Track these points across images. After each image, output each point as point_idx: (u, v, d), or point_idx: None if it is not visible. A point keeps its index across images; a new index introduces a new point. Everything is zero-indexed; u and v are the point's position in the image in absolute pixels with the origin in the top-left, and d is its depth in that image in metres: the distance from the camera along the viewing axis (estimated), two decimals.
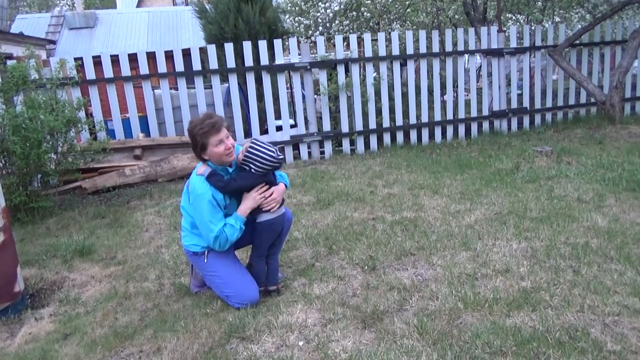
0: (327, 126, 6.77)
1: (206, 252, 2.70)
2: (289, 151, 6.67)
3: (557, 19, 10.80)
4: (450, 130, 7.33)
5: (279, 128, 6.69)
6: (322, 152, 6.87)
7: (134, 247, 3.79)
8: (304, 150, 6.75)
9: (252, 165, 2.61)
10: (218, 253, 2.71)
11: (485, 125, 7.50)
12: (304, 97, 6.83)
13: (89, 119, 5.83)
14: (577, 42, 7.75)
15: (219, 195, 2.58)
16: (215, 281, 2.70)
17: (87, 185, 5.52)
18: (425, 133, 7.18)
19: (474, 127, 7.42)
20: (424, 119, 7.15)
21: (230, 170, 2.71)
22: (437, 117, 7.21)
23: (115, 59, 6.04)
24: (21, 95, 5.11)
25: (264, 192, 2.65)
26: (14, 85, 5.00)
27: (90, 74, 5.99)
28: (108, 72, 6.04)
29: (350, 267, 3.08)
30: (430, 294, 2.65)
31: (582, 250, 3.05)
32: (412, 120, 7.10)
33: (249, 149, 2.61)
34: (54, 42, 13.82)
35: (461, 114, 7.34)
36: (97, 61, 6.02)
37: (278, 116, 6.78)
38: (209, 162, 2.61)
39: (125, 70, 6.05)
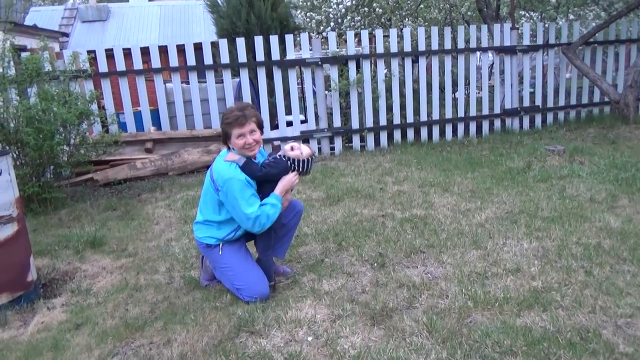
0: (337, 122, 6.76)
1: (221, 245, 2.71)
2: None
3: (571, 16, 10.66)
4: (461, 127, 7.28)
5: (289, 123, 6.69)
6: (332, 148, 6.86)
7: (145, 240, 3.82)
8: (314, 146, 6.75)
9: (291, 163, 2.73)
10: (232, 246, 2.72)
11: (497, 123, 7.44)
12: (314, 92, 6.82)
13: (101, 112, 5.85)
14: (592, 40, 7.64)
15: (250, 181, 2.63)
16: (227, 274, 2.72)
17: (99, 177, 5.56)
18: (436, 130, 7.14)
19: (486, 125, 7.36)
20: (435, 116, 7.11)
21: (255, 160, 2.75)
22: (449, 114, 7.16)
23: (127, 52, 6.07)
24: (35, 87, 5.16)
25: (295, 176, 2.75)
26: (28, 77, 5.04)
27: (103, 67, 6.03)
28: (120, 66, 6.06)
29: (359, 264, 3.07)
30: (440, 292, 2.64)
31: (594, 251, 3.01)
32: (423, 117, 7.06)
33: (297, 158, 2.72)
34: (67, 35, 13.92)
35: (473, 112, 7.28)
36: (109, 54, 6.06)
37: (289, 111, 6.77)
38: (234, 151, 2.66)
39: (138, 64, 6.08)
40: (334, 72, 6.63)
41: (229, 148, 2.69)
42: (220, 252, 2.72)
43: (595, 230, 3.34)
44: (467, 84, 7.47)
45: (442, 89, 7.21)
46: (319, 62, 6.55)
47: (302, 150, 2.74)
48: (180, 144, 6.16)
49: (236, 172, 2.57)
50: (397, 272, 2.91)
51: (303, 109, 7.43)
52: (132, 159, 5.88)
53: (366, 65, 6.72)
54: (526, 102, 7.55)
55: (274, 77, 6.46)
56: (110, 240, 3.82)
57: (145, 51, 6.18)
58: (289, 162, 2.71)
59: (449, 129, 7.19)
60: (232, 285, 2.72)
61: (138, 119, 6.36)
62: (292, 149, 2.74)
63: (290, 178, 2.71)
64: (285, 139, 6.58)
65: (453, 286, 2.69)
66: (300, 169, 2.73)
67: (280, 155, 2.75)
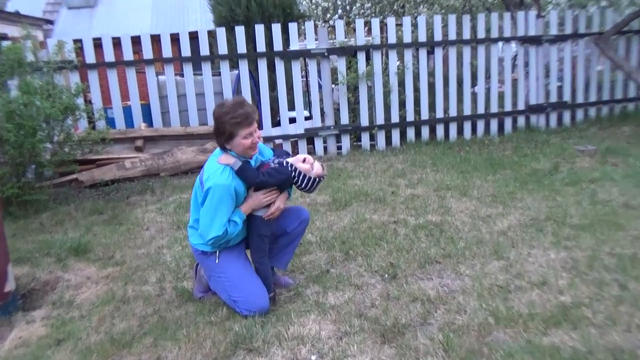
0: (345, 119, 6.75)
1: (217, 252, 2.71)
2: (302, 145, 6.66)
3: (603, 3, 10.58)
4: (481, 125, 7.25)
5: (292, 120, 6.69)
6: (339, 148, 6.85)
7: (134, 247, 3.82)
8: (319, 144, 6.75)
9: (296, 177, 2.70)
10: (230, 254, 2.72)
11: (521, 120, 7.40)
12: (320, 86, 6.81)
13: (87, 106, 5.88)
14: (626, 29, 7.58)
15: (241, 189, 2.62)
16: (224, 284, 2.71)
17: (84, 178, 5.58)
18: (453, 128, 7.11)
19: (508, 122, 7.33)
20: (452, 112, 7.09)
21: (252, 161, 2.73)
22: (467, 110, 7.14)
23: (116, 42, 6.08)
24: (16, 79, 5.17)
25: (270, 195, 2.68)
26: (9, 68, 5.06)
27: (90, 57, 6.05)
28: (109, 56, 6.09)
29: (368, 275, 3.06)
30: (458, 307, 2.62)
31: (630, 262, 2.98)
32: (439, 113, 7.04)
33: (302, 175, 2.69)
34: (51, 22, 14.01)
35: (494, 108, 7.25)
36: (97, 44, 6.08)
37: (292, 107, 6.77)
38: (231, 152, 2.64)
39: (128, 54, 6.10)
40: (341, 64, 6.62)
41: (224, 149, 2.67)
42: (217, 260, 2.71)
43: (630, 240, 3.30)
44: (487, 77, 7.44)
45: (460, 83, 7.18)
46: (325, 53, 6.54)
47: (313, 167, 2.72)
48: (173, 142, 6.17)
49: (227, 179, 2.56)
50: (410, 284, 2.89)
51: (307, 105, 7.41)
52: (121, 158, 5.90)
53: (377, 57, 6.71)
54: (553, 98, 7.50)
55: (276, 70, 6.46)
56: (95, 247, 3.82)
57: (136, 40, 6.19)
58: (293, 173, 2.69)
59: (467, 126, 7.16)
60: (229, 297, 2.71)
61: (128, 114, 6.38)
62: (304, 160, 2.72)
63: (260, 198, 2.66)
64: (287, 137, 6.58)
65: (472, 300, 2.66)
66: (303, 186, 2.70)
67: (286, 162, 2.73)
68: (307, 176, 2.69)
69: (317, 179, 2.73)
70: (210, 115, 6.39)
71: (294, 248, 2.99)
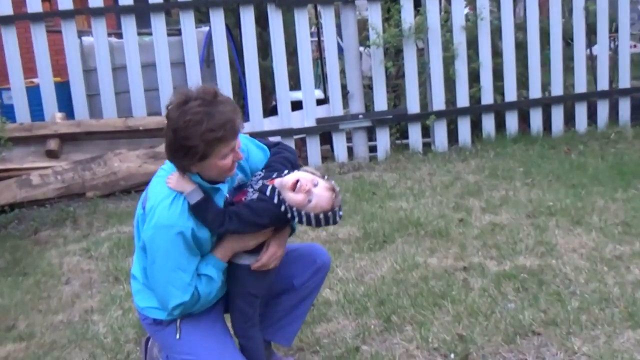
0: (381, 103, 6.79)
1: (178, 322, 2.72)
2: (314, 145, 6.72)
3: None
4: (603, 109, 7.25)
5: (296, 105, 6.74)
6: (373, 148, 6.89)
7: (47, 311, 3.85)
8: (340, 143, 6.79)
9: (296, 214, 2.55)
10: (199, 322, 2.71)
11: None
12: (341, 50, 6.87)
13: None
14: None
15: (204, 233, 2.58)
16: None
17: None
18: (557, 115, 7.12)
19: None
20: (556, 89, 7.10)
21: (224, 186, 2.68)
22: (580, 86, 7.14)
23: None
24: None
25: (259, 233, 2.65)
26: None
27: None
28: (4, 7, 6.18)
29: (423, 355, 3.06)
30: None
31: None
32: (534, 92, 7.05)
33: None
34: None
35: (624, 81, 7.25)
36: None
37: (295, 84, 6.83)
38: (192, 175, 2.57)
39: (35, 4, 6.20)
40: (374, 13, 6.68)
41: (183, 170, 2.54)
42: (177, 334, 2.73)
43: None
44: (613, 31, 7.42)
45: (568, 42, 7.18)
46: None
47: (311, 195, 2.52)
48: (106, 143, 6.23)
49: (178, 217, 2.48)
50: None
51: (321, 81, 7.48)
52: (24, 168, 5.96)
53: (432, 1, 6.75)
54: None
55: (270, 24, 6.52)
56: None
57: None
58: (282, 208, 2.54)
59: (580, 111, 7.16)
60: None
61: (34, 98, 6.45)
62: (294, 186, 2.52)
63: (245, 240, 2.61)
64: (289, 133, 6.62)
65: None
66: (305, 223, 2.57)
67: (272, 189, 2.57)
68: (305, 213, 2.53)
69: (327, 214, 2.56)
70: (166, 100, 6.48)
71: (304, 312, 3.00)
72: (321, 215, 2.52)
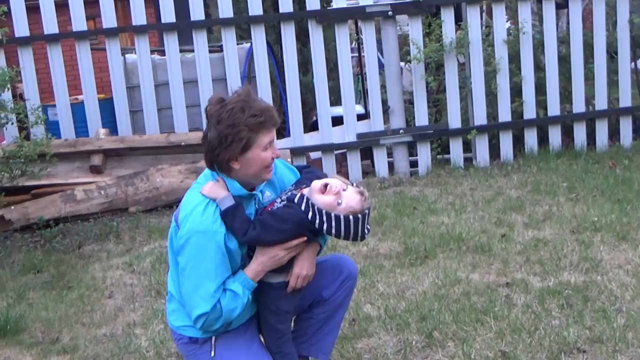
0: (422, 118, 6.78)
1: (213, 340, 2.72)
2: (355, 161, 6.72)
3: None
4: None
5: (337, 121, 6.75)
6: (414, 164, 6.87)
7: (90, 325, 3.90)
8: (381, 159, 6.79)
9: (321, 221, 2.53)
10: (234, 341, 2.71)
11: None
12: (381, 66, 6.87)
13: (18, 104, 6.03)
14: None
15: (233, 243, 2.59)
16: None
17: (14, 215, 5.74)
18: (602, 129, 7.04)
19: None
20: (601, 103, 7.02)
21: (260, 193, 2.71)
22: (625, 100, 7.05)
23: (61, 3, 6.29)
24: None
25: (292, 249, 2.63)
26: None
27: (22, 28, 6.26)
28: (50, 26, 6.30)
29: None
30: None
31: None
32: (578, 106, 6.99)
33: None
34: None
35: None
36: (31, 5, 6.30)
37: (336, 100, 6.84)
38: (227, 178, 2.60)
39: (80, 23, 6.31)
40: (415, 28, 6.68)
41: (220, 171, 2.61)
42: (212, 353, 2.73)
43: None
44: None
45: (612, 55, 7.11)
46: (390, 12, 6.60)
47: (341, 197, 2.54)
48: (149, 159, 6.30)
49: (212, 223, 2.51)
50: None
51: (361, 96, 7.49)
52: (69, 184, 6.05)
53: (474, 15, 6.75)
54: None
55: (311, 41, 6.56)
56: (32, 325, 3.92)
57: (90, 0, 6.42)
58: (309, 214, 2.52)
59: (625, 125, 7.07)
60: None
61: (79, 115, 6.57)
62: (324, 189, 2.54)
63: (280, 255, 2.57)
64: (329, 148, 6.65)
65: None
66: (334, 232, 2.54)
67: (300, 196, 2.58)
68: (335, 216, 2.51)
69: (356, 218, 2.54)
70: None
71: (337, 325, 2.98)
72: (350, 217, 2.51)
